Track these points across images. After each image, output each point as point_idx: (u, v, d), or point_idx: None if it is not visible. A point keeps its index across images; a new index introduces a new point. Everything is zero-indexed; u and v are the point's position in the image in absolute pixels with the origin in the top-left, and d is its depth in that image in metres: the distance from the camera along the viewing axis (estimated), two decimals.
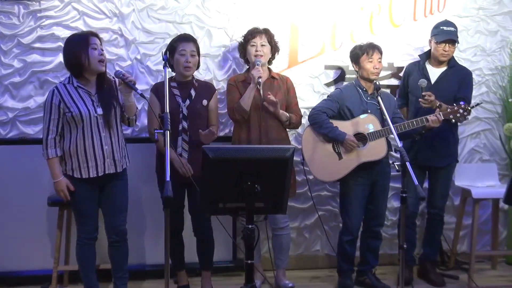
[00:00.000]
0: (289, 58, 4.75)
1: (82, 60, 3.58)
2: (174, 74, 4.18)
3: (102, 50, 3.67)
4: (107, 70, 3.76)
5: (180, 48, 4.03)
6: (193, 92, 4.09)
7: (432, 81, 4.46)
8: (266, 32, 4.27)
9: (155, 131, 3.26)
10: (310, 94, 4.79)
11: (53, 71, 4.42)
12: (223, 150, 2.97)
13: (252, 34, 4.23)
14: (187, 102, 4.05)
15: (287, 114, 4.22)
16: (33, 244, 4.37)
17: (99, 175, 3.66)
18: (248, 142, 4.17)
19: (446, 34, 4.38)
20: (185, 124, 4.03)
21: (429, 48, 4.54)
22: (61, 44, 4.32)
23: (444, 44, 4.39)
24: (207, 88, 4.20)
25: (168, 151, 3.09)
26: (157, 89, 4.06)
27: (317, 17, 4.78)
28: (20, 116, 4.39)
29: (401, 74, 4.79)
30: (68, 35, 4.22)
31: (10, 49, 4.35)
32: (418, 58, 4.65)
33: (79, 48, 3.60)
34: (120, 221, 3.82)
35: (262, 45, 4.20)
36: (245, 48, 4.27)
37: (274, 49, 4.31)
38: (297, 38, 4.76)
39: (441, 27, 4.42)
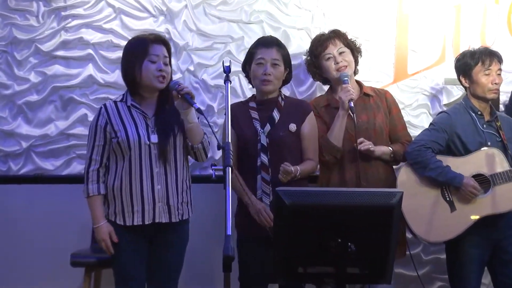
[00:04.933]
0: (395, 69, 4.65)
1: (135, 74, 3.56)
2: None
3: (167, 64, 3.60)
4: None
5: (257, 56, 3.93)
6: (276, 114, 3.94)
7: None
8: (338, 35, 4.13)
9: (212, 167, 3.23)
10: (424, 119, 4.61)
11: (80, 87, 4.41)
12: (304, 194, 2.91)
13: (321, 44, 4.10)
14: (267, 127, 3.92)
15: (389, 149, 4.06)
16: None
17: (146, 223, 3.54)
18: (342, 186, 3.97)
19: None
20: (264, 158, 3.85)
21: None
22: (91, 51, 4.41)
23: None
24: (297, 108, 4.02)
25: (229, 193, 2.92)
26: (232, 112, 3.97)
27: (435, 12, 4.68)
28: (36, 146, 4.41)
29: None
30: (100, 40, 4.36)
31: (25, 58, 4.40)
32: None
33: (133, 59, 3.57)
34: None
35: (341, 53, 4.07)
36: (317, 66, 4.15)
37: (355, 51, 4.16)
38: (406, 41, 4.67)
39: None
